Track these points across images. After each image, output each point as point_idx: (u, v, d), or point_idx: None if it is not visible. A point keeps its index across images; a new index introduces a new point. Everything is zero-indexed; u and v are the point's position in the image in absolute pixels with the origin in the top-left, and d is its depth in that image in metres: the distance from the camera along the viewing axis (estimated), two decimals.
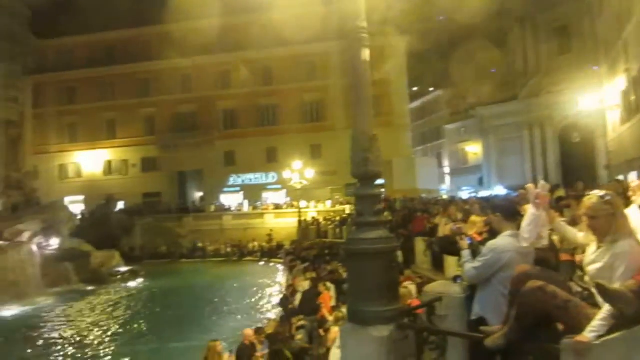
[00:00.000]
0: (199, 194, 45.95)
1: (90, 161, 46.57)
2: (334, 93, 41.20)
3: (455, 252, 5.06)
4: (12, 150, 35.65)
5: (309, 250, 22.76)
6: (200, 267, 30.95)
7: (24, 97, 37.50)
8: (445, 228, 10.20)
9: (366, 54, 4.19)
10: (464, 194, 40.18)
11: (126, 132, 45.98)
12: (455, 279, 5.03)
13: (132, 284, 24.61)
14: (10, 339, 13.91)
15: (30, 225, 24.23)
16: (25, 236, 23.33)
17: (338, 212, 34.12)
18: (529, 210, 3.86)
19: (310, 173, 35.08)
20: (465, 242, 4.55)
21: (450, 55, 41.95)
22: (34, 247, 22.00)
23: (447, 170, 52.54)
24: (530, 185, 3.98)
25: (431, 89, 56.35)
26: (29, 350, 12.88)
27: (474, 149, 48.00)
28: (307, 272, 12.90)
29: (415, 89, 52.45)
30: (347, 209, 34.50)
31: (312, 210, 36.78)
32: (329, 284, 11.18)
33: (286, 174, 35.16)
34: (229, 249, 34.43)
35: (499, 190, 32.29)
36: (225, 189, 43.69)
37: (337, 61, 39.42)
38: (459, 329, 4.23)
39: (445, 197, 32.15)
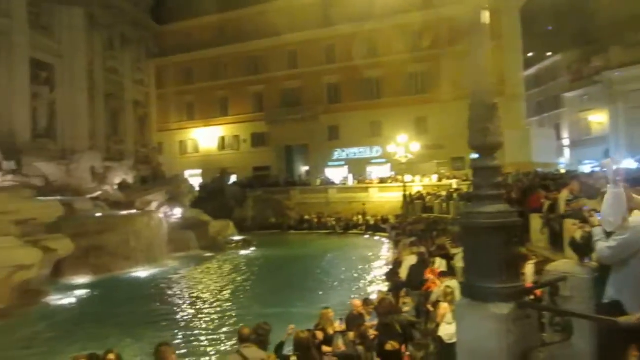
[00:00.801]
0: (305, 168, 47.28)
1: (206, 137, 49.89)
2: (441, 63, 39.61)
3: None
4: (140, 129, 39.28)
5: (414, 225, 22.46)
6: (307, 238, 32.02)
7: (149, 79, 40.90)
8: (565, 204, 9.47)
9: (486, 16, 3.94)
10: (586, 167, 36.82)
11: (237, 109, 48.48)
12: (582, 258, 4.65)
13: (245, 252, 26.15)
14: (143, 295, 15.62)
15: (157, 196, 26.73)
16: (154, 206, 25.82)
17: (444, 187, 33.18)
18: (609, 189, 3.47)
19: (416, 146, 34.34)
20: (595, 219, 4.18)
21: (578, 10, 37.95)
22: (161, 216, 24.22)
23: (566, 142, 48.38)
24: (607, 161, 3.57)
25: (549, 54, 51.80)
26: (158, 304, 14.38)
27: (598, 119, 43.55)
28: (414, 247, 12.78)
29: (530, 54, 48.51)
30: (454, 183, 33.39)
31: (417, 185, 36.15)
32: (439, 259, 10.99)
33: (391, 148, 34.77)
34: (334, 222, 35.11)
35: (629, 164, 29.13)
36: (330, 163, 44.43)
37: (445, 29, 37.72)
38: (584, 312, 3.94)
39: (563, 171, 29.76)
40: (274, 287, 16.52)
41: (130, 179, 28.31)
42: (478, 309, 3.77)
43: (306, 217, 37.16)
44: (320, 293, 15.12)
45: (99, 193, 24.74)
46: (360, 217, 35.18)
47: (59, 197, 20.31)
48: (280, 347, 6.33)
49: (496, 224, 3.81)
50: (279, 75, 45.99)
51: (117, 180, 26.90)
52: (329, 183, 41.15)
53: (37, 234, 16.36)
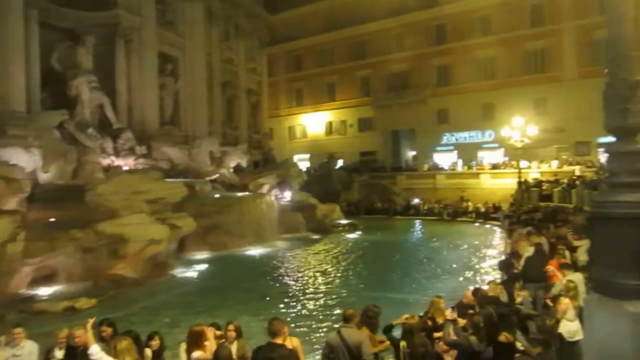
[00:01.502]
0: (411, 153, 46.44)
1: (314, 122, 51.01)
2: (563, 39, 36.35)
3: None
4: (252, 115, 41.29)
5: (530, 214, 21.05)
6: (414, 224, 31.55)
7: (261, 67, 42.70)
8: None
9: None
10: None
11: (344, 95, 48.84)
12: None
13: (351, 235, 26.46)
14: (256, 272, 16.55)
15: (268, 179, 27.99)
16: (265, 188, 27.09)
17: (565, 174, 30.64)
18: None
19: (533, 130, 31.98)
20: None
21: None
22: (273, 198, 25.35)
23: None
24: None
25: None
26: (270, 281, 15.14)
27: None
28: (531, 237, 11.99)
29: None
30: (577, 170, 30.74)
31: (534, 171, 33.80)
32: (563, 252, 10.24)
33: (505, 132, 32.79)
34: (442, 208, 34.17)
35: None
36: (438, 148, 43.13)
37: (569, 1, 34.49)
38: None
39: None
40: (379, 271, 16.57)
41: (244, 163, 29.95)
42: (610, 307, 3.46)
43: (413, 202, 36.56)
44: (426, 280, 14.87)
45: (216, 176, 26.54)
46: (469, 203, 33.83)
47: (182, 179, 22.12)
48: (389, 328, 6.35)
49: (635, 214, 3.44)
50: (386, 58, 45.42)
51: (233, 164, 28.62)
52: (436, 168, 40.03)
53: (164, 212, 18.01)
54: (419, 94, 43.54)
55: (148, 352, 5.76)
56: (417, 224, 31.70)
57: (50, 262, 13.65)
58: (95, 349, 5.28)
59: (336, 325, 10.02)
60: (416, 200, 36.60)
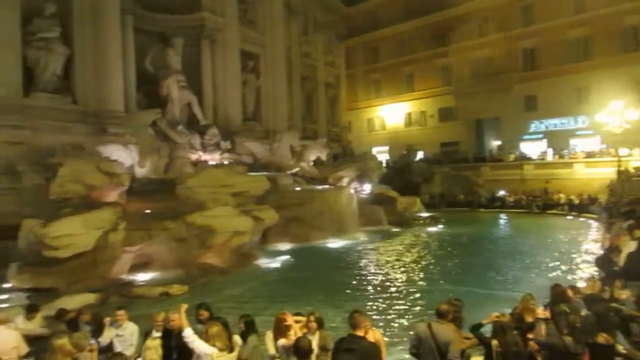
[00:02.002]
0: (496, 143, 44.42)
1: (392, 114, 50.35)
2: None
3: None
4: (331, 109, 41.62)
5: (632, 206, 19.37)
6: (499, 217, 30.23)
7: (339, 61, 42.85)
8: None
9: None
10: None
11: (424, 84, 47.69)
12: None
13: (432, 229, 25.89)
14: (337, 264, 16.69)
15: (347, 172, 28.10)
16: (345, 181, 27.23)
17: None
18: None
19: (634, 115, 29.30)
20: None
21: None
22: (352, 191, 25.42)
23: None
24: None
25: None
26: (351, 273, 15.18)
27: None
28: (634, 231, 11.01)
29: None
30: None
31: (635, 159, 31.01)
32: None
33: (600, 117, 30.37)
34: (530, 200, 32.41)
35: None
36: (526, 137, 40.84)
37: None
38: None
39: None
40: (462, 266, 16.07)
41: (323, 156, 30.28)
42: None
43: (498, 194, 35.02)
44: (514, 276, 14.18)
45: (297, 169, 27.08)
46: (561, 195, 31.78)
47: (264, 173, 22.82)
48: (477, 327, 6.13)
49: None
50: (468, 45, 43.67)
51: (312, 158, 29.04)
52: (524, 158, 37.96)
53: (248, 204, 18.69)
54: (504, 81, 41.42)
55: (237, 339, 6.01)
56: (503, 216, 30.36)
57: (147, 250, 14.69)
58: (188, 332, 5.60)
59: (414, 319, 9.96)
60: (502, 192, 35.05)
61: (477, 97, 42.65)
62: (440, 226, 26.69)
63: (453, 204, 35.12)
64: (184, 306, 6.18)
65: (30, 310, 7.92)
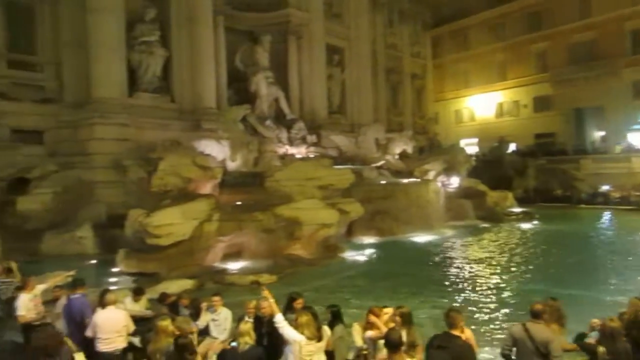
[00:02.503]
0: (599, 133, 41.00)
1: (482, 105, 48.23)
2: None
3: None
4: (417, 100, 40.81)
5: None
6: (602, 214, 27.95)
7: (425, 51, 41.84)
8: None
9: None
10: None
11: (517, 72, 45.13)
12: None
13: (525, 225, 24.54)
14: (423, 259, 16.39)
15: (434, 165, 27.41)
16: (431, 175, 26.60)
17: None
18: None
19: None
20: None
21: None
22: (439, 185, 24.78)
23: None
24: None
25: None
26: (438, 268, 14.86)
27: None
28: None
29: None
30: None
31: None
32: None
33: None
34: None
35: None
36: (635, 127, 37.24)
37: None
38: None
39: None
40: (559, 265, 15.09)
41: (409, 149, 29.79)
42: None
43: (601, 189, 32.35)
44: (619, 278, 13.05)
45: (382, 162, 26.90)
46: None
47: (350, 166, 22.92)
48: (581, 337, 5.73)
49: None
50: (567, 28, 40.55)
51: (398, 150, 28.68)
52: (633, 150, 34.63)
53: (334, 197, 18.90)
54: (609, 66, 37.95)
55: (326, 329, 6.12)
56: (607, 214, 28.01)
57: (238, 240, 15.38)
58: (279, 318, 5.81)
59: (503, 318, 9.53)
60: (605, 187, 32.34)
61: (576, 84, 39.55)
62: (535, 222, 25.24)
63: (549, 199, 33.03)
64: (267, 292, 6.41)
65: (137, 293, 8.61)
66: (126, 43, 19.86)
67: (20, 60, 18.64)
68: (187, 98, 21.49)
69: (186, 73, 21.50)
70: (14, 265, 9.70)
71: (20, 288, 8.17)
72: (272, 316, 6.02)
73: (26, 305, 7.64)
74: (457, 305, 10.73)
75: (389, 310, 6.38)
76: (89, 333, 6.69)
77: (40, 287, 8.20)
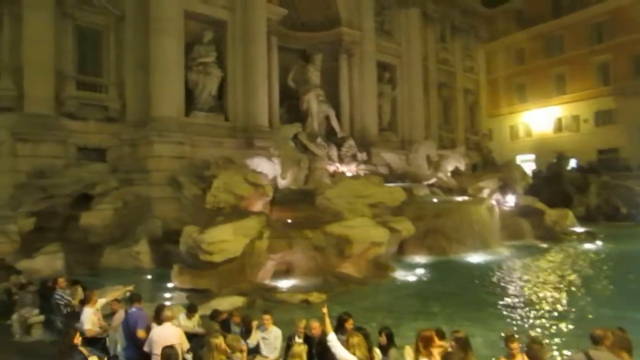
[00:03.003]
0: None
1: (539, 120, 46.60)
2: None
3: None
4: (469, 116, 39.93)
5: None
6: None
7: (479, 66, 40.97)
8: None
9: None
10: None
11: (576, 86, 43.39)
12: None
13: (588, 245, 23.23)
14: (478, 280, 15.80)
15: (488, 183, 26.61)
16: (486, 192, 25.82)
17: None
18: None
19: None
20: None
21: None
22: (494, 203, 23.99)
23: None
24: None
25: None
26: (493, 290, 14.27)
27: None
28: None
29: None
30: None
31: None
32: None
33: None
34: None
35: None
36: None
37: None
38: None
39: None
40: (626, 289, 14.12)
41: (462, 166, 29.10)
42: None
43: None
44: None
45: (434, 180, 26.40)
46: None
47: (400, 184, 22.64)
48: None
49: None
50: (632, 38, 38.66)
51: (450, 168, 28.07)
52: None
53: (384, 215, 18.67)
54: None
55: (377, 351, 6.00)
56: None
57: (288, 258, 15.44)
58: (332, 337, 5.76)
59: (563, 344, 8.99)
60: None
61: None
62: (599, 242, 23.85)
63: (613, 217, 31.25)
64: (325, 310, 6.37)
65: (191, 310, 8.79)
66: (184, 64, 20.71)
67: (88, 82, 19.74)
68: (240, 116, 22.06)
69: (240, 92, 22.12)
70: (79, 287, 10.07)
71: (84, 302, 8.54)
72: (322, 337, 5.97)
73: (90, 319, 7.98)
74: (515, 329, 10.27)
75: (444, 344, 6.16)
76: (146, 348, 6.88)
77: (101, 301, 8.55)
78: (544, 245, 22.85)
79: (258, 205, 17.19)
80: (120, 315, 8.21)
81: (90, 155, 19.60)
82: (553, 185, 33.80)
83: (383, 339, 6.51)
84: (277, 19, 23.85)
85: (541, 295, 13.77)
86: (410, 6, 30.52)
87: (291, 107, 25.41)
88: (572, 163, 39.32)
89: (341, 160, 24.28)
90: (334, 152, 24.14)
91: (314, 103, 24.89)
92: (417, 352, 5.90)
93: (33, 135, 17.85)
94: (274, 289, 14.28)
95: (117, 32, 20.42)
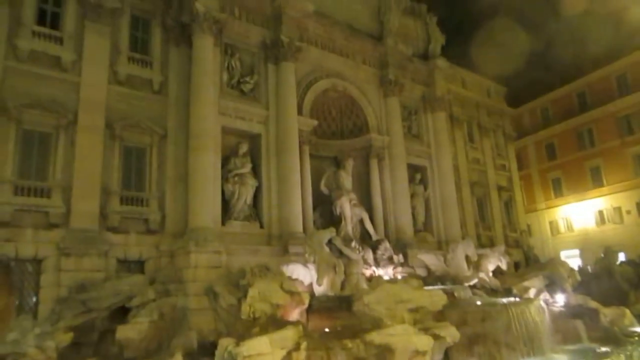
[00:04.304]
0: None
1: (579, 213, 45.49)
2: None
3: None
4: (506, 213, 39.30)
5: None
6: None
7: (510, 163, 41.17)
8: None
9: None
10: None
11: (614, 177, 42.78)
12: None
13: None
14: None
15: (533, 282, 25.35)
16: (532, 292, 24.52)
17: None
18: None
19: None
20: None
21: None
22: (542, 303, 22.66)
23: None
24: None
25: None
26: None
27: None
28: None
29: None
30: None
31: None
32: None
33: None
34: None
35: None
36: None
37: None
38: None
39: None
40: None
41: (504, 265, 28.04)
42: None
43: None
44: None
45: (475, 280, 25.40)
46: None
47: (441, 286, 21.85)
48: None
49: None
50: None
51: (491, 267, 27.07)
52: None
53: (426, 321, 17.79)
54: None
55: None
56: None
57: None
58: None
59: None
60: None
61: None
62: None
63: None
64: None
65: None
66: (221, 175, 21.62)
67: (131, 196, 20.66)
68: (275, 223, 22.40)
69: (274, 199, 22.69)
70: None
71: None
72: None
73: None
74: None
75: None
76: None
77: None
78: (604, 349, 21.01)
79: (295, 314, 16.75)
80: None
81: (130, 267, 19.96)
82: (604, 281, 31.87)
83: None
84: (309, 129, 25.06)
85: None
86: (436, 110, 31.66)
87: (324, 212, 25.73)
88: (621, 257, 37.39)
89: (377, 263, 23.86)
90: (369, 255, 23.82)
91: (347, 207, 25.17)
92: None
93: (77, 250, 18.43)
94: None
95: (159, 149, 21.72)
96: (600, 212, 43.48)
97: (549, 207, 47.77)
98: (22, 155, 18.69)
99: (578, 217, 45.21)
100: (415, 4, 33.40)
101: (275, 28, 24.46)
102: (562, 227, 46.76)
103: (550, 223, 47.72)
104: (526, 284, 25.06)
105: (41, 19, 20.18)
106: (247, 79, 23.58)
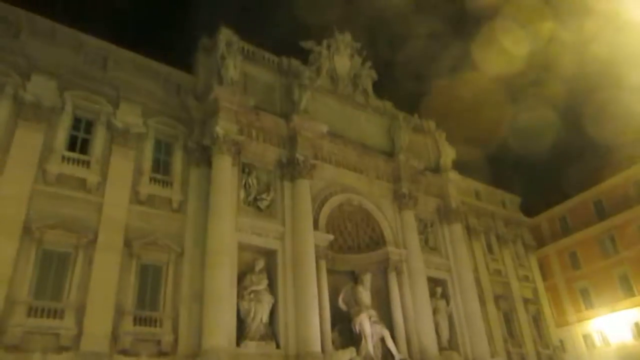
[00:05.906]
0: None
1: (614, 325, 42.76)
2: None
3: None
4: (535, 327, 37.18)
5: None
6: None
7: (533, 273, 39.88)
8: None
9: None
10: None
11: None
12: None
13: None
14: None
15: None
16: None
17: None
18: None
19: None
20: None
21: None
22: None
23: None
24: None
25: None
26: None
27: None
28: None
29: None
30: None
31: None
32: None
33: None
34: None
35: None
36: None
37: None
38: None
39: None
40: None
41: None
42: None
43: None
44: None
45: None
46: None
47: None
48: None
49: None
50: None
51: None
52: None
53: None
54: None
55: None
56: None
57: None
58: None
59: None
60: None
61: None
62: None
63: None
64: None
65: None
66: (237, 293, 21.16)
67: (144, 316, 20.12)
68: (292, 342, 21.39)
69: (291, 317, 21.91)
70: None
71: None
72: None
73: None
74: None
75: None
76: None
77: None
78: None
79: None
80: None
81: None
82: None
83: None
84: (325, 244, 24.93)
85: None
86: (452, 222, 31.56)
87: (343, 329, 24.57)
88: None
89: None
90: None
91: (367, 325, 24.05)
92: None
93: None
94: None
95: (175, 267, 21.61)
96: (637, 325, 40.80)
97: (580, 320, 45.00)
98: (40, 275, 18.73)
99: (613, 330, 42.33)
100: (424, 121, 34.96)
101: (291, 147, 25.57)
102: (597, 341, 43.65)
103: (585, 337, 44.59)
104: None
105: (72, 144, 21.50)
106: (264, 196, 24.13)
